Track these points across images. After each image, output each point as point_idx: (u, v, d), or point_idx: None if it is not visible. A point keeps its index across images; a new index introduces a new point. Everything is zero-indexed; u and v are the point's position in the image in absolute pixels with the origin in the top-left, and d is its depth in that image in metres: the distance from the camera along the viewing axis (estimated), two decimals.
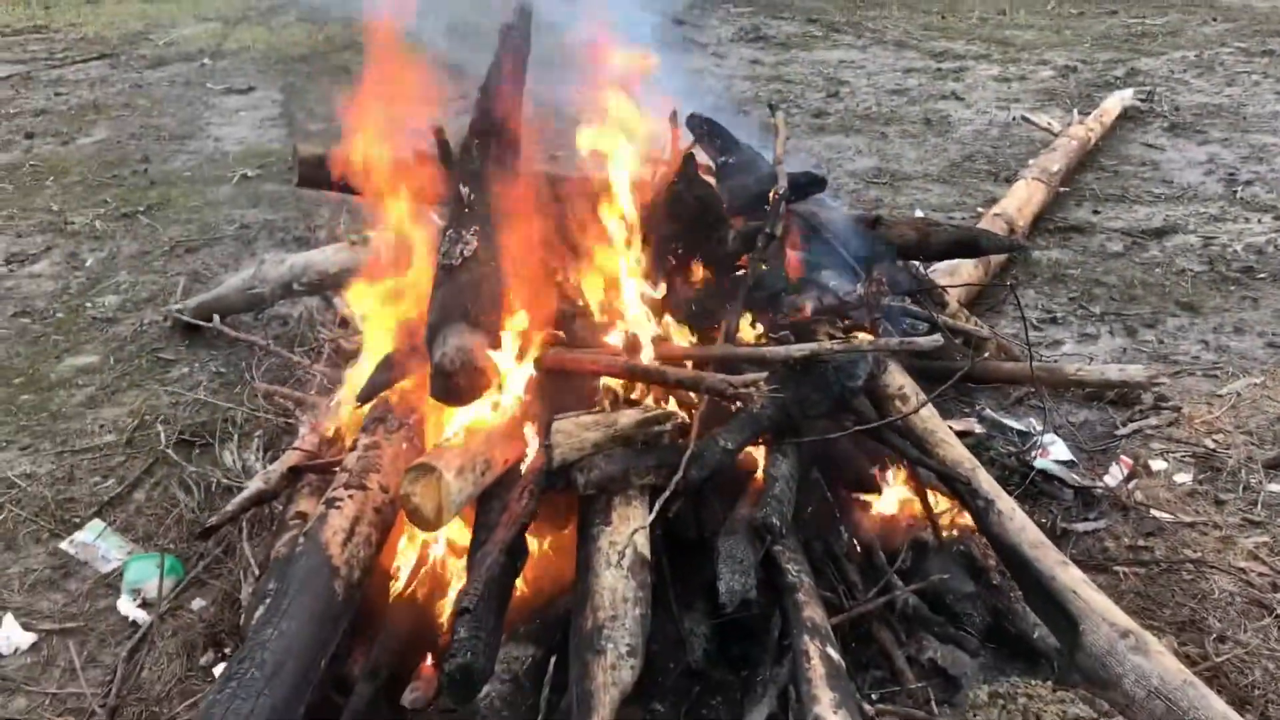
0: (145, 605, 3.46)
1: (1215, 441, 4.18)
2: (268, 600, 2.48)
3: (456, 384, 2.76)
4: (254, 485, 3.37)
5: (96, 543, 3.74)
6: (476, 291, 2.91)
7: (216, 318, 5.15)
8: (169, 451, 4.31)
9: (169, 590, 3.49)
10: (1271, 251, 5.99)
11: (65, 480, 4.20)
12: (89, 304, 5.77)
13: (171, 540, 3.84)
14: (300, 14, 14.13)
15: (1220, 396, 4.49)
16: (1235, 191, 6.99)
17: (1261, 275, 5.72)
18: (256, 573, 3.38)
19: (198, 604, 3.50)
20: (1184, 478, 3.99)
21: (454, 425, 2.92)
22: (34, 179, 7.90)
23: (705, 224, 3.25)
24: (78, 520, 3.94)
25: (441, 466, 2.63)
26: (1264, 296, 5.48)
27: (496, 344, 2.85)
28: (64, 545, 3.78)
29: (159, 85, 10.72)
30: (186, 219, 7.03)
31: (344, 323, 4.98)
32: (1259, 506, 3.80)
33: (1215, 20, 12.07)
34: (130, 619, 3.45)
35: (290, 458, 3.46)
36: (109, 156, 8.48)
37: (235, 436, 4.41)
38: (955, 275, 5.05)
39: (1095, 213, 6.73)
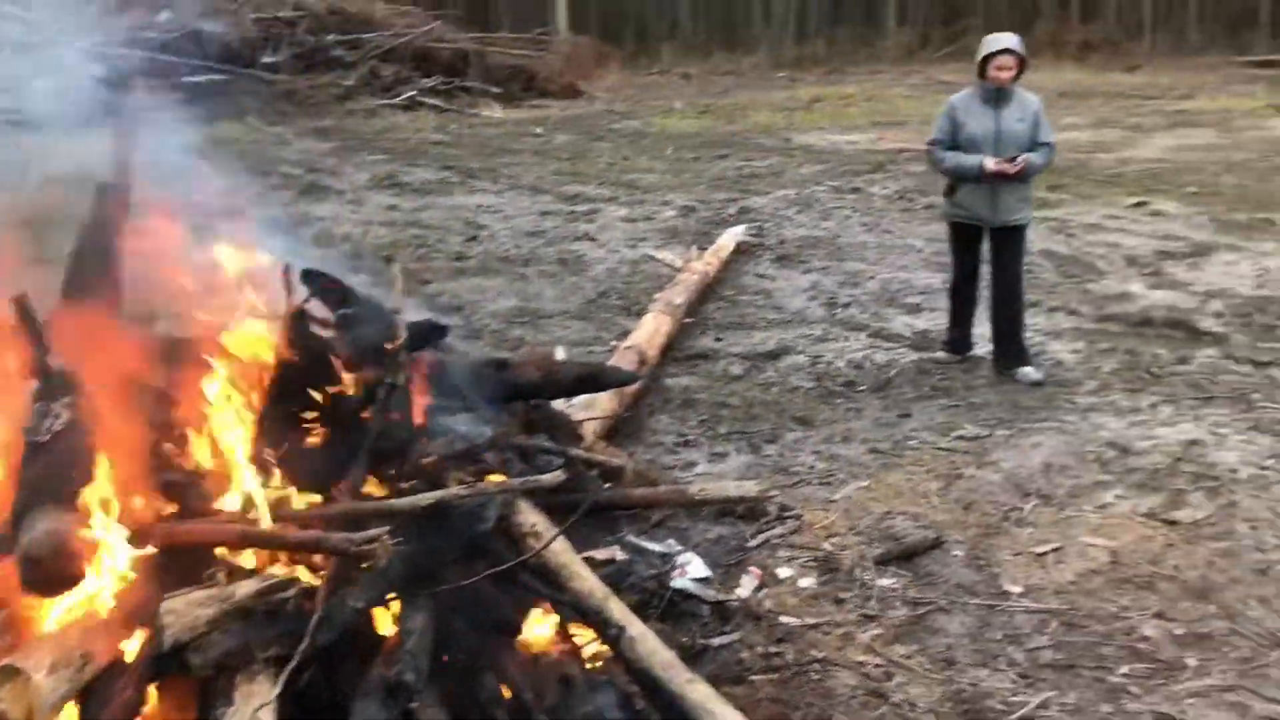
0: None
1: (832, 544, 4.54)
2: None
3: (48, 571, 2.53)
4: None
5: None
6: (69, 469, 2.70)
7: None
8: None
9: None
10: (869, 366, 6.67)
11: None
12: None
13: None
14: None
15: (834, 502, 4.90)
16: (835, 314, 7.77)
17: (861, 388, 6.35)
18: None
19: None
20: (807, 581, 4.28)
21: (48, 617, 2.66)
22: None
23: (322, 379, 3.20)
24: None
25: (30, 667, 2.38)
26: (865, 407, 6.07)
27: (93, 524, 2.64)
28: None
29: None
30: None
31: None
32: (872, 601, 4.14)
33: (810, 163, 13.53)
34: None
35: None
36: None
37: None
38: (592, 408, 5.24)
39: (718, 340, 7.25)
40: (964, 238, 6.44)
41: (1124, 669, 3.67)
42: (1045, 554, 4.41)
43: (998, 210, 6.19)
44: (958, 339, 6.67)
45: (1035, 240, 9.32)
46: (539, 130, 16.80)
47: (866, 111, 17.81)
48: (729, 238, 9.32)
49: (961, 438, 5.55)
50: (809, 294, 8.25)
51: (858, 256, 9.20)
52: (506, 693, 3.25)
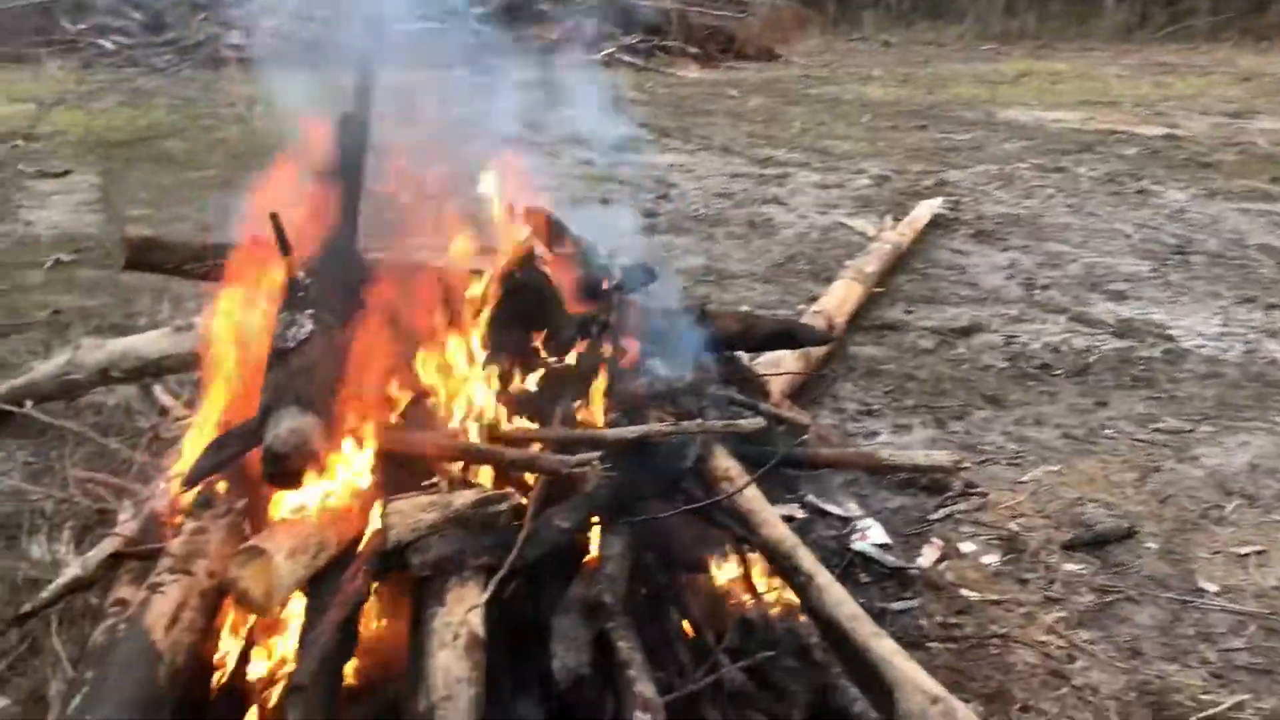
0: None
1: (1018, 525, 4.47)
2: (85, 689, 2.38)
3: (289, 466, 2.74)
4: (71, 572, 3.22)
5: None
6: (310, 375, 2.92)
7: (29, 403, 4.91)
8: None
9: None
10: (1065, 350, 6.47)
11: None
12: None
13: None
14: (122, 99, 13.81)
15: (1022, 483, 4.81)
16: (1033, 294, 7.54)
17: (1057, 372, 6.17)
18: (67, 667, 3.21)
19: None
20: (990, 559, 4.24)
21: (286, 508, 2.89)
22: None
23: (542, 312, 3.35)
24: None
25: (272, 549, 2.60)
26: (1060, 391, 5.91)
27: (330, 427, 2.85)
28: None
29: None
30: None
31: (164, 410, 4.84)
32: (1057, 584, 4.07)
33: (1014, 138, 13.07)
34: None
35: (110, 544, 3.32)
36: None
37: (45, 528, 4.20)
38: (778, 367, 5.28)
39: (908, 312, 7.14)
40: None
41: None
42: (1246, 555, 4.23)
43: None
44: None
45: (1252, 234, 8.84)
46: (734, 92, 16.73)
47: (1076, 90, 17.00)
48: (924, 209, 9.13)
49: (1161, 430, 5.35)
50: (1006, 272, 8.03)
51: (1060, 238, 8.89)
52: (688, 628, 3.36)
